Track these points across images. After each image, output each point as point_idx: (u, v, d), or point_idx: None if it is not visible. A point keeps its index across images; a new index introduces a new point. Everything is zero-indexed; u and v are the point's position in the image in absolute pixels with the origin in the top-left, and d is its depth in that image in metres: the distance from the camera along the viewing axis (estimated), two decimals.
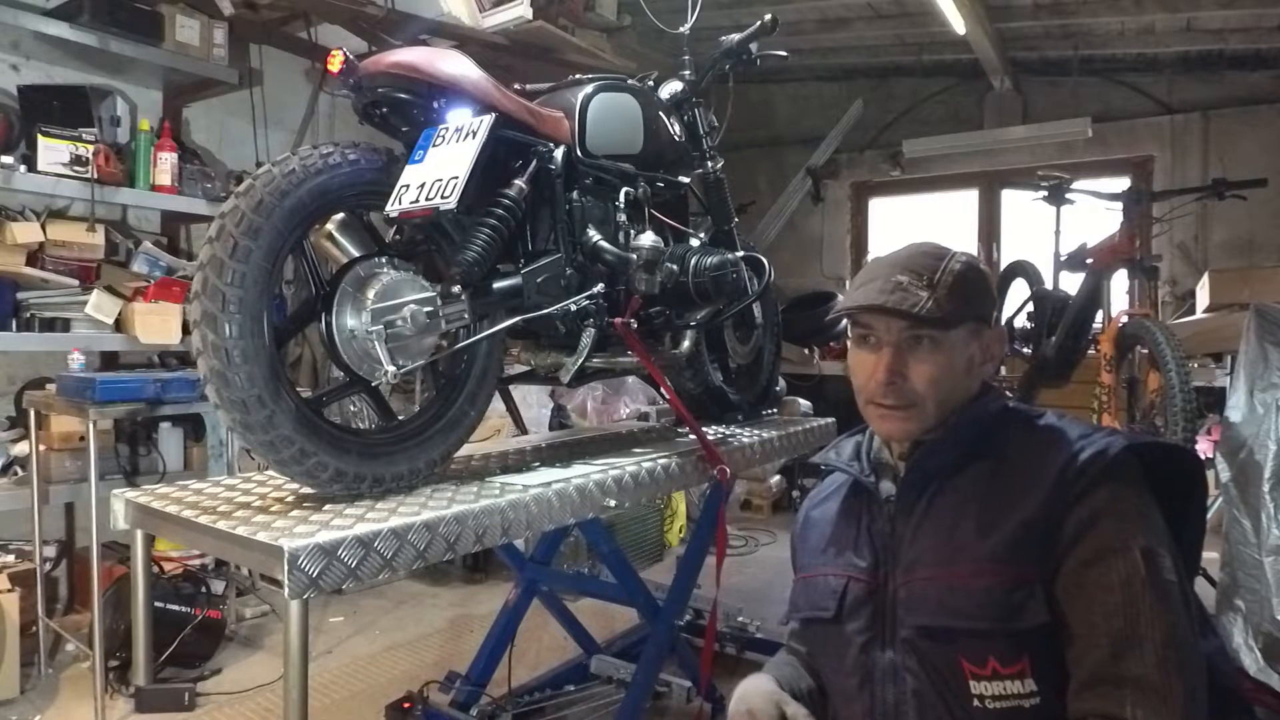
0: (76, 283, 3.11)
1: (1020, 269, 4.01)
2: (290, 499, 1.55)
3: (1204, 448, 3.62)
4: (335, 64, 1.55)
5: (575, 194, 1.85)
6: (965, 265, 1.17)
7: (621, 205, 1.98)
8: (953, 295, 1.13)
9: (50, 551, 3.16)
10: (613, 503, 1.79)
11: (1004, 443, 1.14)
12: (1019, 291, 4.00)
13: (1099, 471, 1.04)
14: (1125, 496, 1.04)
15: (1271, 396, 2.53)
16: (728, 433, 2.42)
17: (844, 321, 1.24)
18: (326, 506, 1.48)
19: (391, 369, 1.48)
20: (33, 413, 2.90)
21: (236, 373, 1.36)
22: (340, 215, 1.63)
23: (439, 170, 1.52)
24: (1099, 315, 3.32)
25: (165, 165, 3.30)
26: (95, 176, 3.05)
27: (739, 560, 4.40)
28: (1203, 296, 4.38)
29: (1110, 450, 1.05)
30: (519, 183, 1.67)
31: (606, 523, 3.19)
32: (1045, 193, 3.64)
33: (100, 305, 3.08)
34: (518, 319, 1.69)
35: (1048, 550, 1.03)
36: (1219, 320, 3.95)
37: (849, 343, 1.22)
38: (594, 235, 1.87)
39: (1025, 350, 3.84)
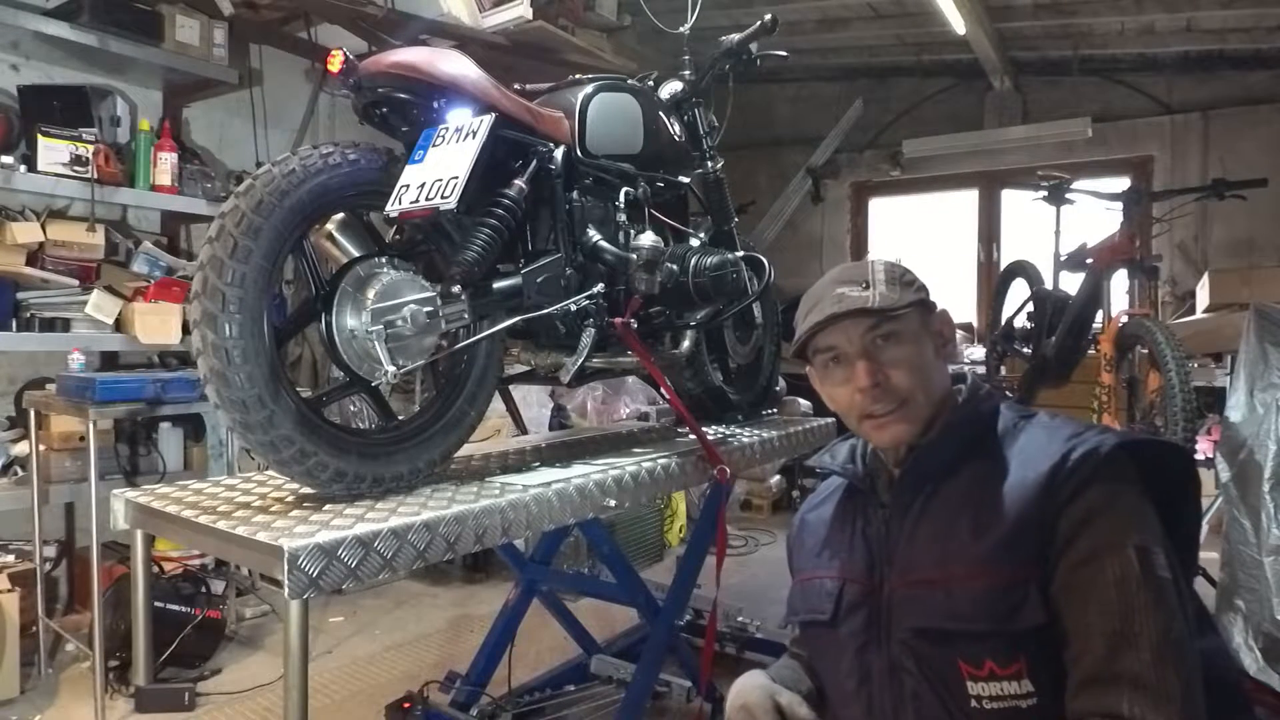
0: (76, 283, 3.11)
1: (1020, 269, 4.01)
2: (290, 499, 1.55)
3: (1204, 448, 3.62)
4: (335, 64, 1.54)
5: (575, 194, 1.85)
6: (887, 263, 1.23)
7: (621, 205, 1.98)
8: (889, 285, 1.17)
9: (50, 551, 3.16)
10: (613, 503, 1.79)
11: (997, 444, 1.15)
12: (1019, 291, 4.00)
13: (1091, 470, 1.04)
14: (1118, 494, 1.04)
15: (1271, 396, 2.53)
16: (728, 433, 2.42)
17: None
18: (326, 506, 1.48)
19: (391, 369, 1.48)
20: (33, 413, 2.90)
21: (236, 373, 1.36)
22: (340, 215, 1.63)
23: (439, 170, 1.52)
24: (1099, 315, 3.32)
25: (165, 165, 3.30)
26: (95, 176, 3.05)
27: (739, 560, 4.40)
28: (1203, 296, 4.38)
29: (1102, 448, 1.05)
30: (519, 183, 1.67)
31: (606, 523, 3.19)
32: (1045, 193, 3.64)
33: (100, 305, 3.08)
34: (518, 319, 1.69)
35: (1042, 550, 1.03)
36: (1219, 320, 3.95)
37: (816, 373, 1.24)
38: (594, 235, 1.87)
39: (1025, 350, 3.84)
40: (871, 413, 1.17)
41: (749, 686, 1.23)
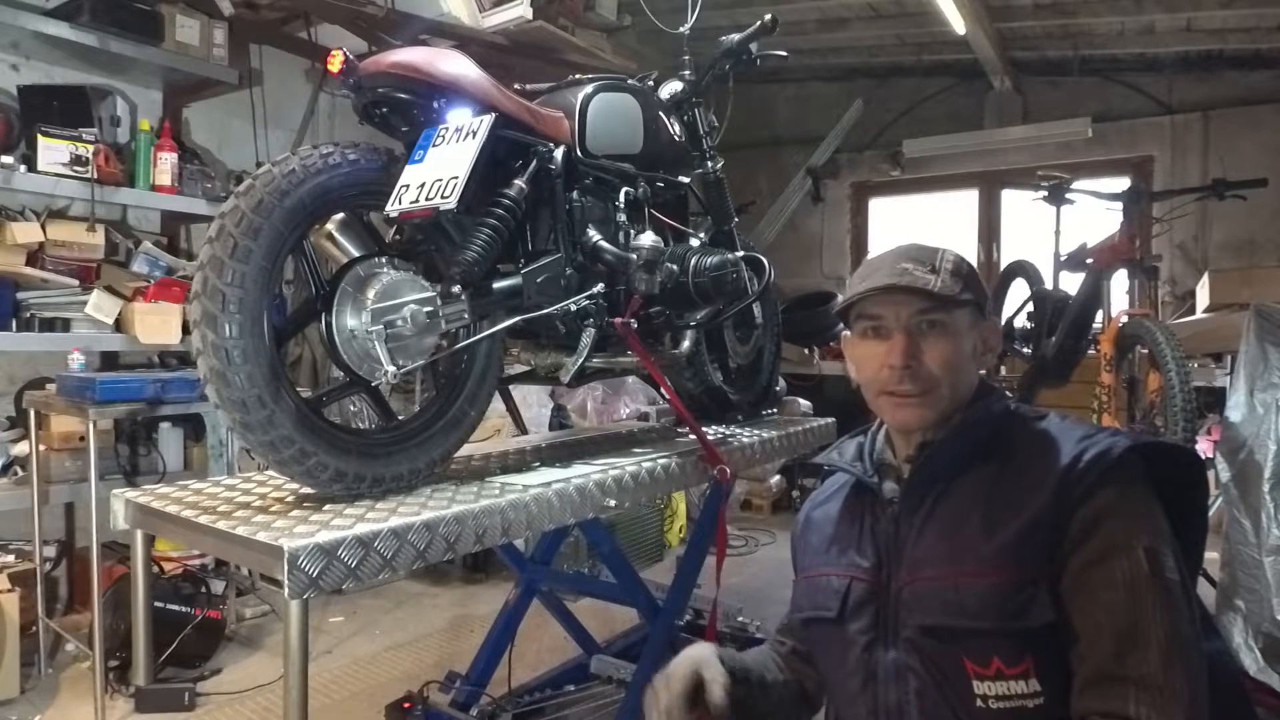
0: (76, 283, 3.11)
1: (1020, 269, 4.01)
2: (290, 499, 1.55)
3: (1204, 448, 3.62)
4: (335, 64, 1.54)
5: (575, 194, 1.85)
6: (957, 256, 1.21)
7: (621, 205, 1.98)
8: (954, 278, 1.16)
9: (50, 551, 3.17)
10: (613, 503, 1.78)
11: (1008, 444, 1.14)
12: (1019, 291, 4.00)
13: (1103, 471, 1.04)
14: (1129, 496, 1.04)
15: (1271, 396, 2.53)
16: (728, 433, 2.42)
17: (839, 325, 1.24)
18: (326, 506, 1.48)
19: (391, 369, 1.48)
20: (33, 413, 2.90)
21: (236, 373, 1.36)
22: (340, 215, 1.63)
23: (439, 170, 1.52)
24: (1099, 315, 3.32)
25: (165, 165, 3.30)
26: (95, 176, 3.05)
27: (739, 560, 4.41)
28: (1203, 296, 4.37)
29: (1114, 450, 1.05)
30: (519, 183, 1.67)
31: (606, 523, 3.19)
32: (1045, 193, 3.64)
33: (100, 305, 3.08)
34: (518, 319, 1.69)
35: (1052, 550, 1.03)
36: (1219, 320, 3.94)
37: (853, 339, 1.22)
38: (594, 235, 1.87)
39: (1025, 350, 3.84)
40: (894, 390, 1.16)
41: (684, 657, 1.22)
